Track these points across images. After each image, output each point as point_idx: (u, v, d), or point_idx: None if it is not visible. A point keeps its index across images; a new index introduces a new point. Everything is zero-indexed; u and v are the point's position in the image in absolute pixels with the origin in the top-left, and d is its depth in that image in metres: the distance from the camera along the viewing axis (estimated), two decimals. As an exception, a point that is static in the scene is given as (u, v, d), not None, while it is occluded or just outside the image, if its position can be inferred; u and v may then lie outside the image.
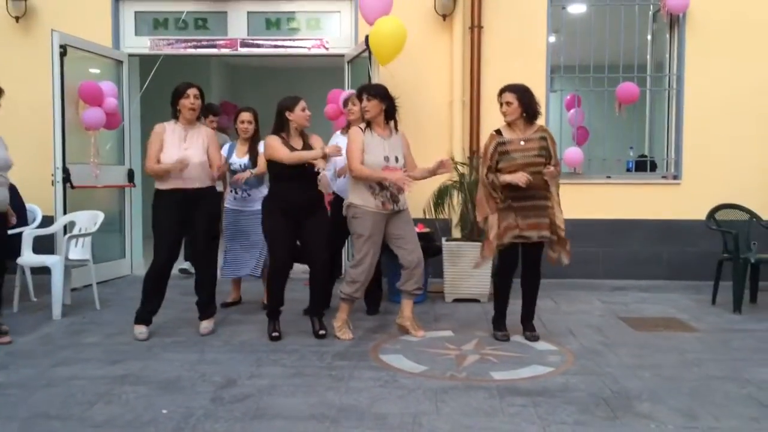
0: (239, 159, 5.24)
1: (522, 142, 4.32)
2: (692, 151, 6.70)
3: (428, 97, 6.68)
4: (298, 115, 4.44)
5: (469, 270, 5.66)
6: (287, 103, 4.46)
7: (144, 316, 4.52)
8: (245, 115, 5.28)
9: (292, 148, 4.40)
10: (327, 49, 6.95)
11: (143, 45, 6.96)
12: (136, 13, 6.96)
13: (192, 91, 4.47)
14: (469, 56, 6.60)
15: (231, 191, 5.32)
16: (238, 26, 6.96)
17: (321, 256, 4.53)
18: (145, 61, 7.17)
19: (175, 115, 4.53)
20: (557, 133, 6.98)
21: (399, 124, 4.65)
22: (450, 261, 5.72)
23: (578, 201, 6.65)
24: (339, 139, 5.14)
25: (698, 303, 5.70)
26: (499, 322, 4.55)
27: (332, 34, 6.95)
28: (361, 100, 4.53)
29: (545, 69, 6.70)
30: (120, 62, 6.85)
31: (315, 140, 4.59)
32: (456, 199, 5.92)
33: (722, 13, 6.62)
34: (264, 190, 5.02)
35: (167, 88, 4.62)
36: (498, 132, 4.40)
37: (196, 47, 6.99)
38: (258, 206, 4.86)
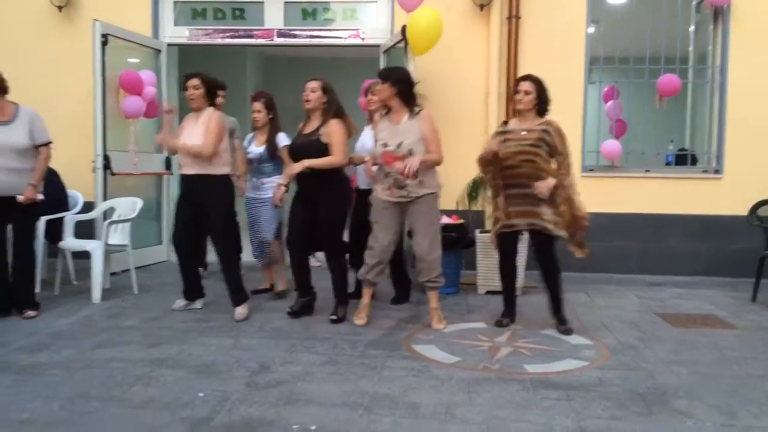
0: (256, 148, 5.23)
1: (524, 132, 4.32)
2: (734, 145, 6.54)
3: (464, 88, 6.64)
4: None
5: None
6: None
7: (184, 291, 4.94)
8: (254, 105, 5.23)
9: (300, 132, 4.70)
10: (363, 39, 6.95)
11: (182, 35, 7.05)
12: (175, 3, 7.05)
13: (189, 83, 4.67)
14: (506, 47, 6.53)
15: (250, 179, 5.42)
16: (274, 16, 6.99)
17: (332, 240, 4.65)
18: (184, 51, 7.27)
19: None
20: (594, 125, 6.90)
21: (424, 107, 4.56)
22: (483, 253, 5.70)
23: (615, 195, 6.57)
24: (369, 134, 5.11)
25: (737, 300, 5.58)
26: (503, 310, 4.68)
27: (368, 24, 6.94)
28: None
29: (584, 60, 6.60)
30: (159, 51, 6.95)
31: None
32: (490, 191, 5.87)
33: (767, 5, 6.44)
34: (277, 180, 5.04)
35: (205, 77, 4.70)
36: (504, 122, 4.51)
37: (233, 37, 7.06)
38: (269, 194, 5.09)
